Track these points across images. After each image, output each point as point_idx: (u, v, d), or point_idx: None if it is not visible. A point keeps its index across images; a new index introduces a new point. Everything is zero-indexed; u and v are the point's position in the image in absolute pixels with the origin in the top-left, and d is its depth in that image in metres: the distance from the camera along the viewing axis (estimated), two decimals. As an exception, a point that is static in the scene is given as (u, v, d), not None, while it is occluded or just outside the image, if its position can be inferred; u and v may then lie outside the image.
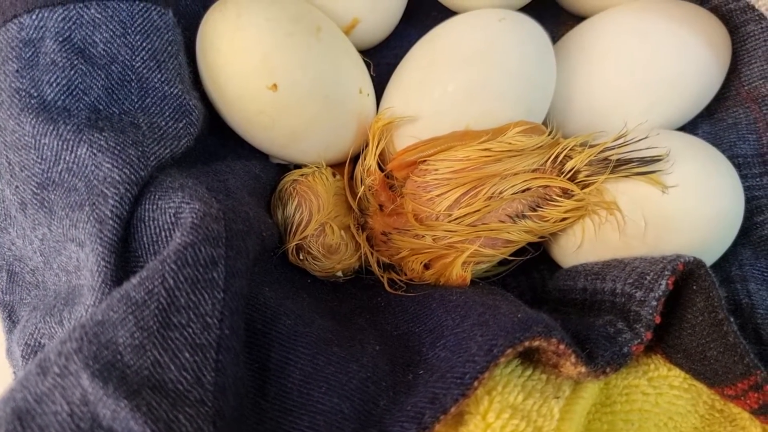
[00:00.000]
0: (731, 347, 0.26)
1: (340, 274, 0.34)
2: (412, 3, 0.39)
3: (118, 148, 0.26)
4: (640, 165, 0.30)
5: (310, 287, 0.32)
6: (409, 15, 0.39)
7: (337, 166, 0.36)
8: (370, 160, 0.34)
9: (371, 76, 0.35)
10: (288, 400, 0.25)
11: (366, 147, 0.34)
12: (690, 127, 0.36)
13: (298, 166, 0.35)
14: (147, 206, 0.26)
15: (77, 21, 0.27)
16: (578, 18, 0.39)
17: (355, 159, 0.36)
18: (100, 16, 0.28)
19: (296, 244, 0.32)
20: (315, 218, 0.32)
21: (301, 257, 0.32)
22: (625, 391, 0.28)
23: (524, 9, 0.37)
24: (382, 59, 0.38)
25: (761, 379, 0.25)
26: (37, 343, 0.28)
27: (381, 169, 0.34)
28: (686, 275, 0.27)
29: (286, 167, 0.36)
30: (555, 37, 0.39)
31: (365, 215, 0.35)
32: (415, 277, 0.33)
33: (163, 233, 0.26)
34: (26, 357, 0.28)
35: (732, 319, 0.26)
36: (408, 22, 0.40)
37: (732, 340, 0.25)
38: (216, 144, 0.34)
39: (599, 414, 0.27)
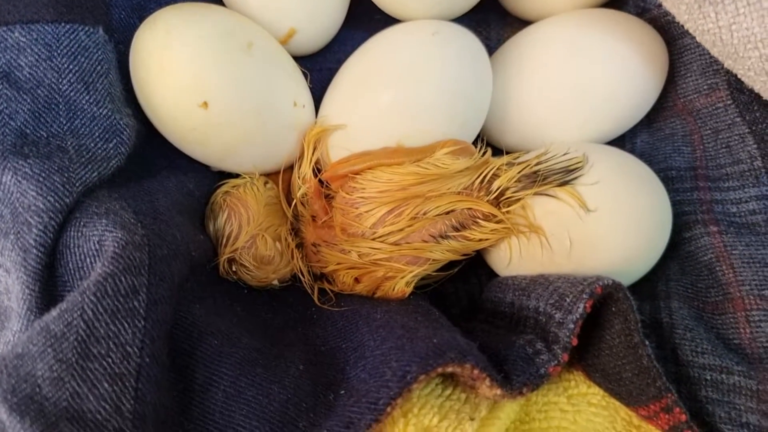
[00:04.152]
0: (645, 370, 0.26)
1: (276, 282, 0.34)
2: (355, 5, 0.39)
3: (43, 175, 0.26)
4: (564, 175, 0.30)
5: (245, 298, 0.33)
6: (352, 18, 0.39)
7: (272, 174, 0.36)
8: (305, 169, 0.34)
9: (309, 86, 0.35)
10: (210, 421, 0.26)
11: (301, 156, 0.35)
12: (630, 135, 0.36)
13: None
14: (72, 233, 0.26)
15: (1, 45, 0.27)
16: (524, 21, 0.38)
17: (292, 166, 0.36)
18: (24, 40, 0.28)
19: (229, 257, 0.32)
20: (245, 230, 0.32)
21: (234, 269, 0.33)
22: (544, 408, 0.29)
23: (471, 10, 0.36)
24: (325, 64, 0.38)
25: (672, 402, 0.26)
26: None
27: (316, 177, 0.34)
28: (605, 297, 0.27)
29: (229, 174, 0.36)
30: (501, 39, 0.39)
31: (299, 223, 0.35)
32: (346, 290, 0.34)
33: (87, 260, 0.26)
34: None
35: (647, 343, 0.26)
36: (351, 25, 0.39)
37: (646, 363, 0.26)
38: (155, 155, 0.34)
39: (517, 431, 0.28)
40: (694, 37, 0.32)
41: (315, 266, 0.34)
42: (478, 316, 0.34)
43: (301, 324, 0.32)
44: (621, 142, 0.36)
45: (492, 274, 0.36)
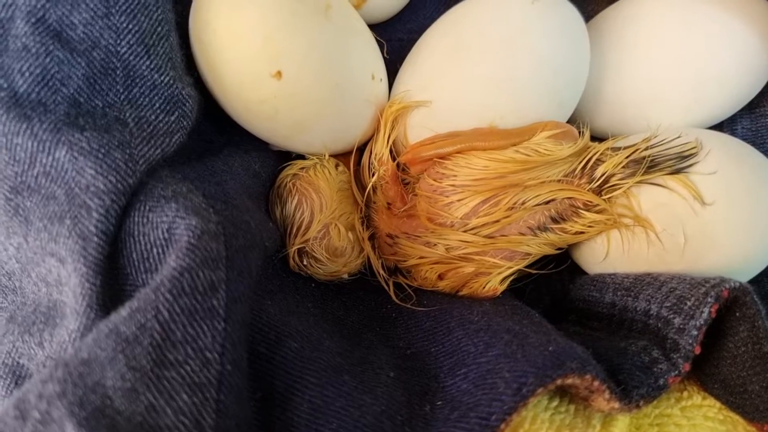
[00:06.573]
0: (774, 383, 0.24)
1: (345, 276, 0.31)
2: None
3: (102, 151, 0.23)
4: (677, 162, 0.27)
5: (314, 294, 0.30)
6: (424, -15, 0.35)
7: (341, 156, 0.33)
8: (382, 148, 0.30)
9: (384, 58, 0.32)
10: (295, 436, 0.23)
11: (376, 135, 0.31)
12: (729, 122, 0.33)
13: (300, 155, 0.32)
14: (136, 219, 0.23)
15: (52, -2, 0.24)
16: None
17: (362, 148, 0.32)
18: (78, -8, 0.24)
19: (298, 248, 0.29)
20: (317, 219, 0.29)
21: (304, 262, 0.29)
22: (656, 421, 0.26)
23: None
24: (395, 34, 0.34)
25: (805, 419, 0.23)
26: (15, 363, 0.26)
27: (393, 160, 0.31)
28: (730, 302, 0.25)
29: (288, 154, 0.33)
30: (593, 11, 0.35)
31: (371, 210, 0.32)
32: (427, 286, 0.31)
33: (155, 250, 0.23)
34: (3, 377, 0.26)
35: (778, 353, 0.24)
36: (423, -7, 0.36)
37: (776, 375, 0.24)
38: (212, 131, 0.31)
39: (630, 445, 0.25)
40: (817, 13, 0.29)
41: (389, 259, 0.31)
42: (568, 317, 0.31)
43: (378, 323, 0.29)
44: (719, 128, 0.33)
45: (574, 270, 0.33)
